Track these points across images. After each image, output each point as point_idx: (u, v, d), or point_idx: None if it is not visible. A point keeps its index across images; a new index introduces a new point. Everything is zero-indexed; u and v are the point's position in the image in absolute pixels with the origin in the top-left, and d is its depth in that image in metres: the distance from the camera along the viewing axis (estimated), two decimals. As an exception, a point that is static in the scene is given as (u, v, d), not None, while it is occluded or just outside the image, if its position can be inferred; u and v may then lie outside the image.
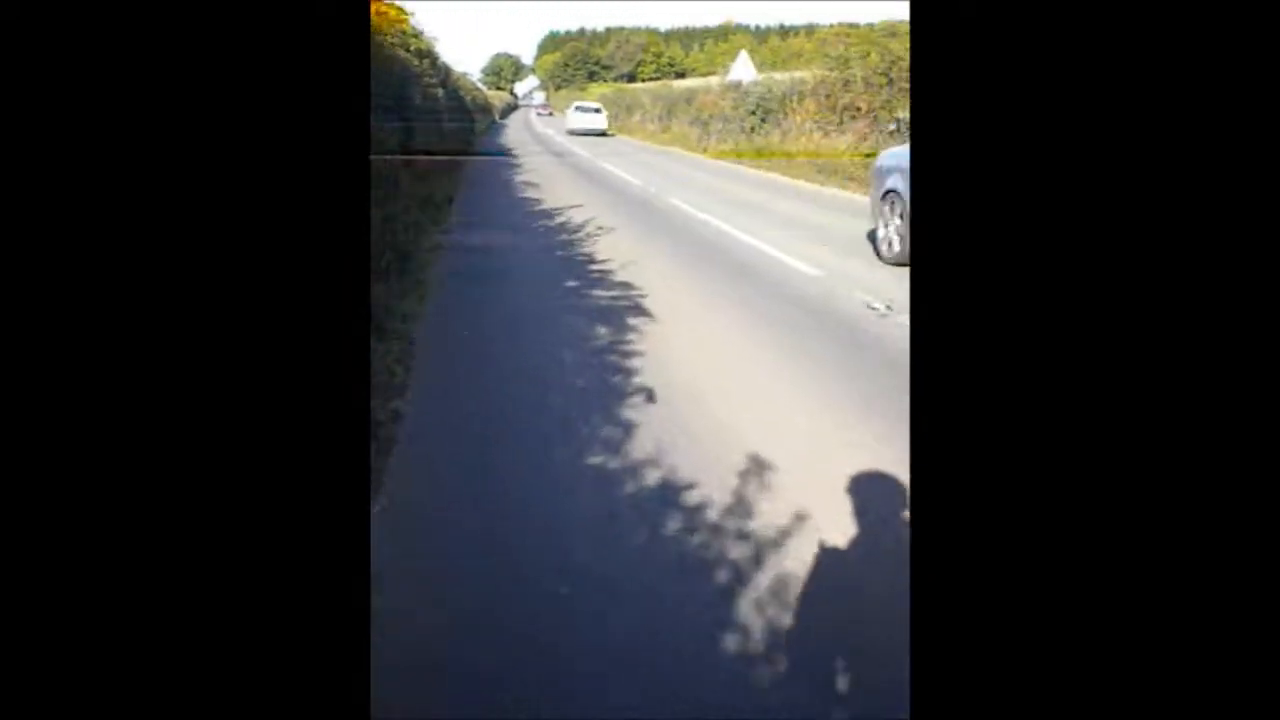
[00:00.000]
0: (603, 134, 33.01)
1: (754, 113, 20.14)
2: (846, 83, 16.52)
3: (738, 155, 20.15)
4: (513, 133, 35.86)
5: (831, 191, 14.00)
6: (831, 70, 17.16)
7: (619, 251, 8.24)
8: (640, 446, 3.62)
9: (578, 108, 36.27)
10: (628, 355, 4.99)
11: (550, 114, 59.48)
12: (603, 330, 5.49)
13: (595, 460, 3.53)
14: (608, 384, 4.50)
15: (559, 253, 8.28)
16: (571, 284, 6.87)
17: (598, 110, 35.15)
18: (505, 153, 21.79)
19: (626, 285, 6.77)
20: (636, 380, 4.55)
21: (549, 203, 11.99)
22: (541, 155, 22.27)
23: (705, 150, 22.63)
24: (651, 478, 3.34)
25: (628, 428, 3.86)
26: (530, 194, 13.14)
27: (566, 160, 20.87)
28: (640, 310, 6.03)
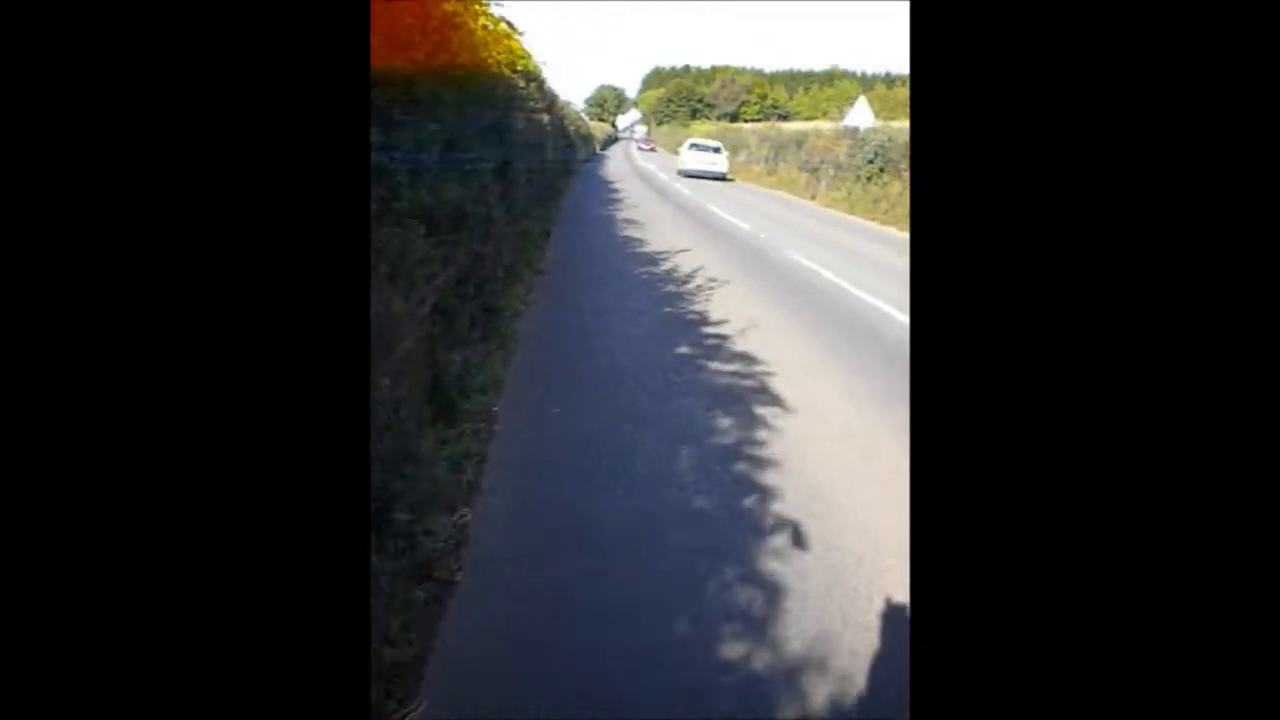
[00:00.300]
0: (722, 178, 27.83)
1: (872, 161, 18.90)
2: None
3: (850, 205, 18.93)
4: (613, 165, 35.11)
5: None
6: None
7: (734, 311, 7.15)
8: (788, 642, 2.50)
9: (694, 145, 29.82)
10: (760, 465, 3.88)
11: (652, 149, 58.29)
12: (725, 424, 4.39)
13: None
14: (737, 512, 3.39)
15: (666, 309, 7.23)
16: (683, 351, 5.79)
17: (717, 150, 29.27)
18: (607, 186, 20.95)
19: (748, 359, 5.66)
20: (776, 508, 3.44)
21: (653, 245, 10.97)
22: (644, 191, 21.33)
23: (814, 197, 21.44)
24: None
25: (771, 595, 2.75)
26: (632, 233, 12.16)
27: (670, 199, 19.90)
28: (769, 395, 4.91)
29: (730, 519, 3.33)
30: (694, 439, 4.14)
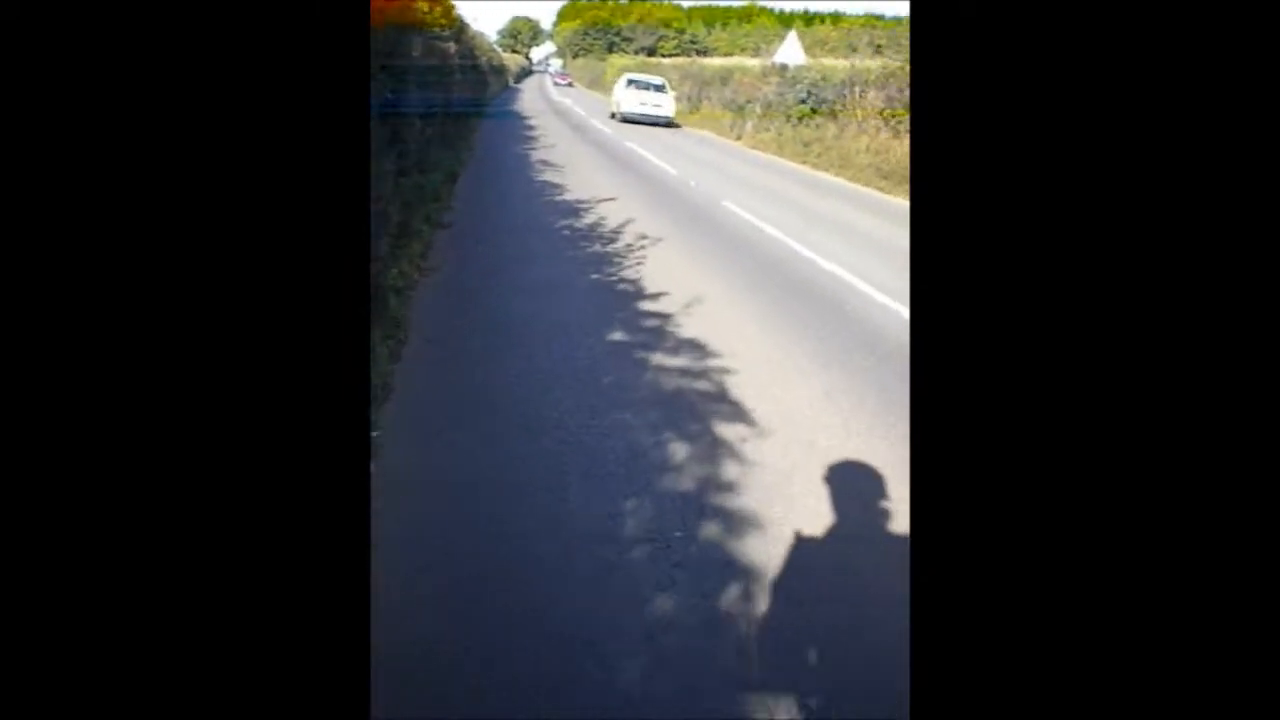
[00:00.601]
0: (669, 124, 22.72)
1: (804, 101, 17.79)
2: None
3: (779, 148, 17.83)
4: (528, 100, 33.21)
5: (902, 204, 11.78)
6: (904, 63, 14.85)
7: (675, 279, 6.05)
8: None
9: (632, 82, 23.79)
10: (735, 527, 2.82)
11: (570, 84, 55.42)
12: (680, 454, 3.32)
13: None
14: (715, 622, 2.34)
15: (593, 275, 6.08)
16: (617, 338, 4.68)
17: (661, 88, 23.60)
18: (522, 123, 19.35)
19: (699, 348, 4.59)
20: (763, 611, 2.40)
21: (574, 192, 9.75)
22: (560, 128, 19.80)
23: (740, 138, 20.27)
24: None
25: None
26: (550, 178, 10.89)
27: (588, 136, 18.50)
28: (731, 407, 3.85)
29: (700, 636, 2.28)
30: (642, 484, 3.06)
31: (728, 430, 3.58)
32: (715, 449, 3.39)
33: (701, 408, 3.80)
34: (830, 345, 4.92)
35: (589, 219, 8.22)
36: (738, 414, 3.78)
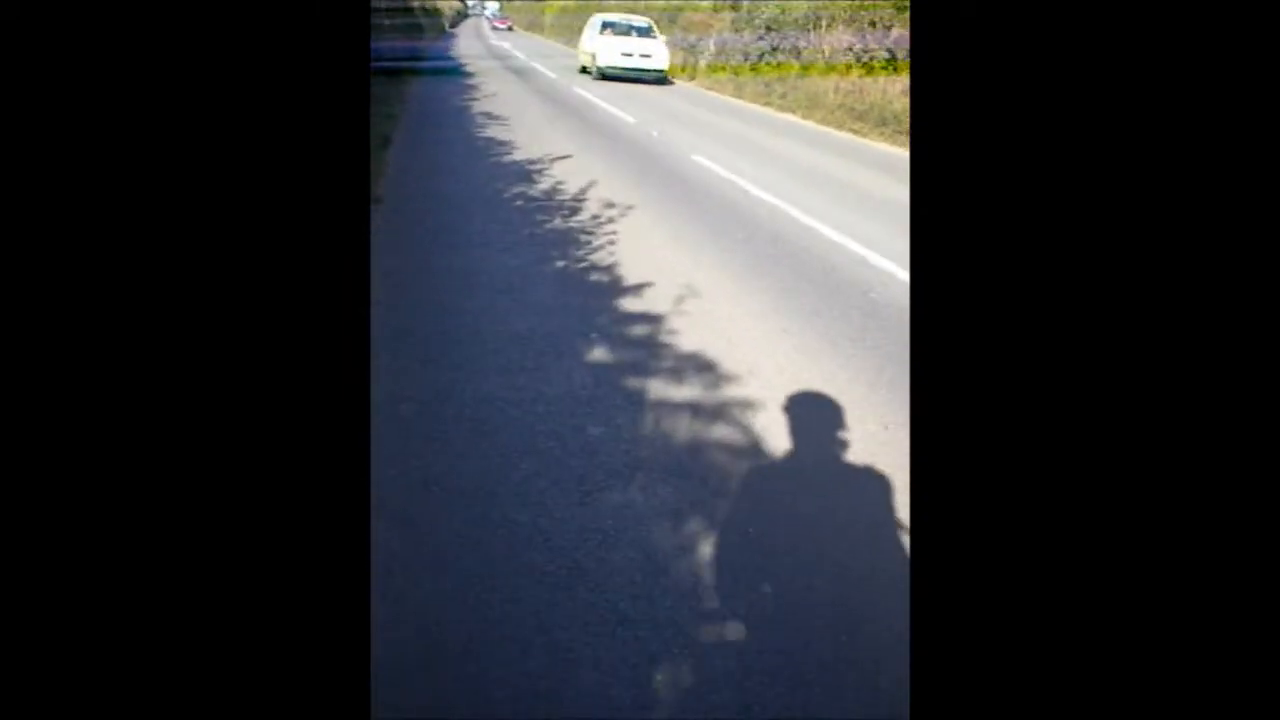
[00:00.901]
0: (661, 79, 17.76)
1: (762, 38, 16.52)
2: (900, 8, 12.98)
3: (737, 89, 16.58)
4: (464, 44, 31.30)
5: (887, 150, 10.71)
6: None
7: (656, 262, 4.96)
8: None
9: (608, 25, 18.56)
10: None
11: (509, 28, 52.71)
12: (705, 578, 2.26)
13: None
14: None
15: (557, 261, 4.95)
16: (598, 357, 3.58)
17: (646, 31, 18.59)
18: (459, 69, 17.76)
19: (707, 368, 3.51)
20: None
21: (523, 150, 8.52)
22: (501, 74, 18.19)
23: (694, 78, 18.96)
24: None
25: None
26: (495, 133, 9.62)
27: (531, 82, 17.06)
28: (770, 467, 2.79)
29: None
30: (669, 651, 2.00)
31: (794, 528, 2.52)
32: (770, 560, 2.33)
33: (731, 468, 2.73)
34: (882, 350, 3.86)
35: (544, 184, 7.04)
36: (778, 473, 2.72)
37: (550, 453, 2.77)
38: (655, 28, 19.18)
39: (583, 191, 6.76)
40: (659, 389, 3.30)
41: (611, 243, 5.35)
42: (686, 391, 3.30)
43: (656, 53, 17.66)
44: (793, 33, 15.58)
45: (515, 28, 50.94)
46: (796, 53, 15.33)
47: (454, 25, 44.46)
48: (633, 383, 3.35)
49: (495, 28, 49.55)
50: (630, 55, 17.42)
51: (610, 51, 17.53)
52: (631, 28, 18.57)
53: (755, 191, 7.30)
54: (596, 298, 4.35)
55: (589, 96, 14.35)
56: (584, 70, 18.69)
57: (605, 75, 17.40)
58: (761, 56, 16.52)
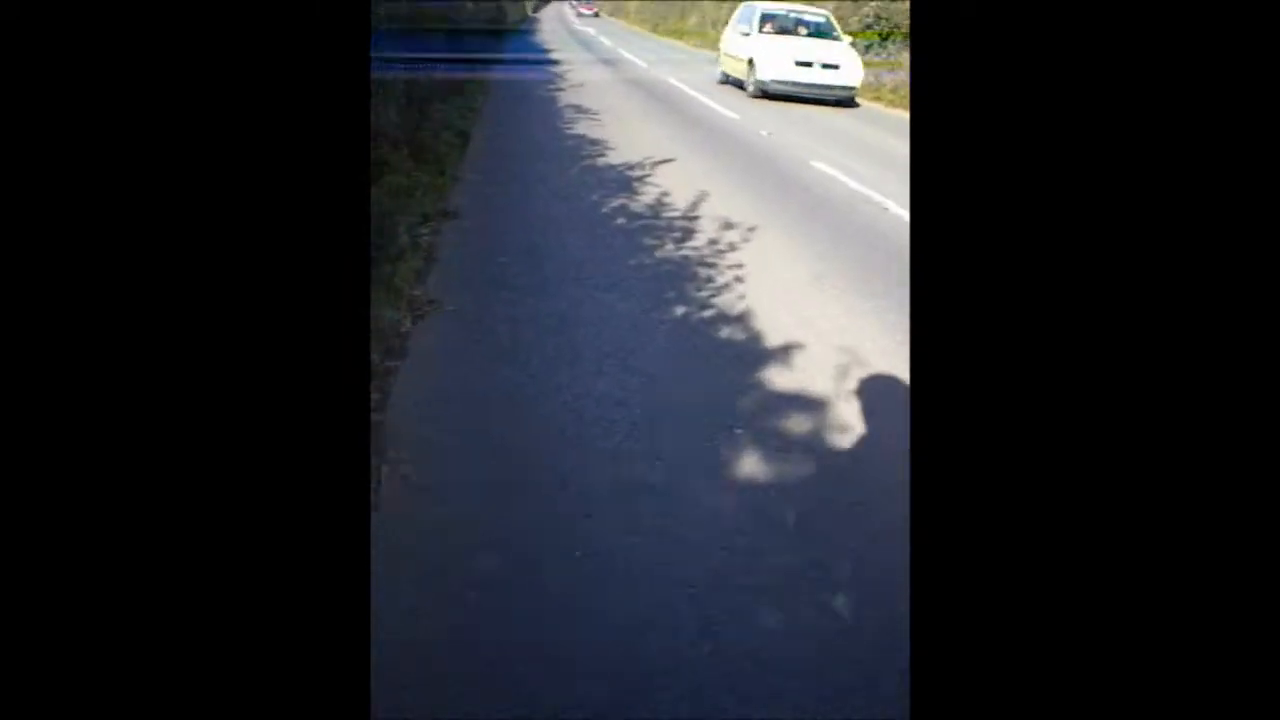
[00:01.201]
0: (848, 99, 12.73)
1: (870, 26, 15.27)
2: None
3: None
4: (548, 32, 30.46)
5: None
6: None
7: (800, 311, 3.91)
8: None
9: (768, 17, 13.26)
10: None
11: (595, 14, 51.25)
12: None
13: None
14: None
15: (676, 307, 3.93)
16: (748, 473, 2.56)
17: (825, 31, 13.39)
18: (547, 64, 16.81)
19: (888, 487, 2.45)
20: None
21: (619, 153, 7.53)
22: (590, 66, 17.21)
23: (879, 97, 16.78)
24: None
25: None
26: (584, 130, 8.66)
27: (621, 72, 16.06)
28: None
29: None
30: None
31: None
32: None
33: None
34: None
35: (647, 197, 6.03)
36: None
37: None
38: (834, 24, 13.81)
39: (694, 206, 5.74)
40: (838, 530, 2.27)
41: (738, 279, 4.33)
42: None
43: (846, 62, 12.54)
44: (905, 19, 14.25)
45: (601, 13, 49.76)
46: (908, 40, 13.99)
47: (536, 10, 43.62)
48: (797, 510, 2.32)
49: (581, 13, 48.39)
50: (809, 66, 12.30)
51: (779, 59, 12.37)
52: (802, 22, 13.39)
53: (894, 208, 6.18)
54: (736, 372, 3.32)
55: (680, 86, 13.24)
56: (726, 80, 13.96)
57: (768, 92, 12.41)
58: (869, 47, 15.23)
